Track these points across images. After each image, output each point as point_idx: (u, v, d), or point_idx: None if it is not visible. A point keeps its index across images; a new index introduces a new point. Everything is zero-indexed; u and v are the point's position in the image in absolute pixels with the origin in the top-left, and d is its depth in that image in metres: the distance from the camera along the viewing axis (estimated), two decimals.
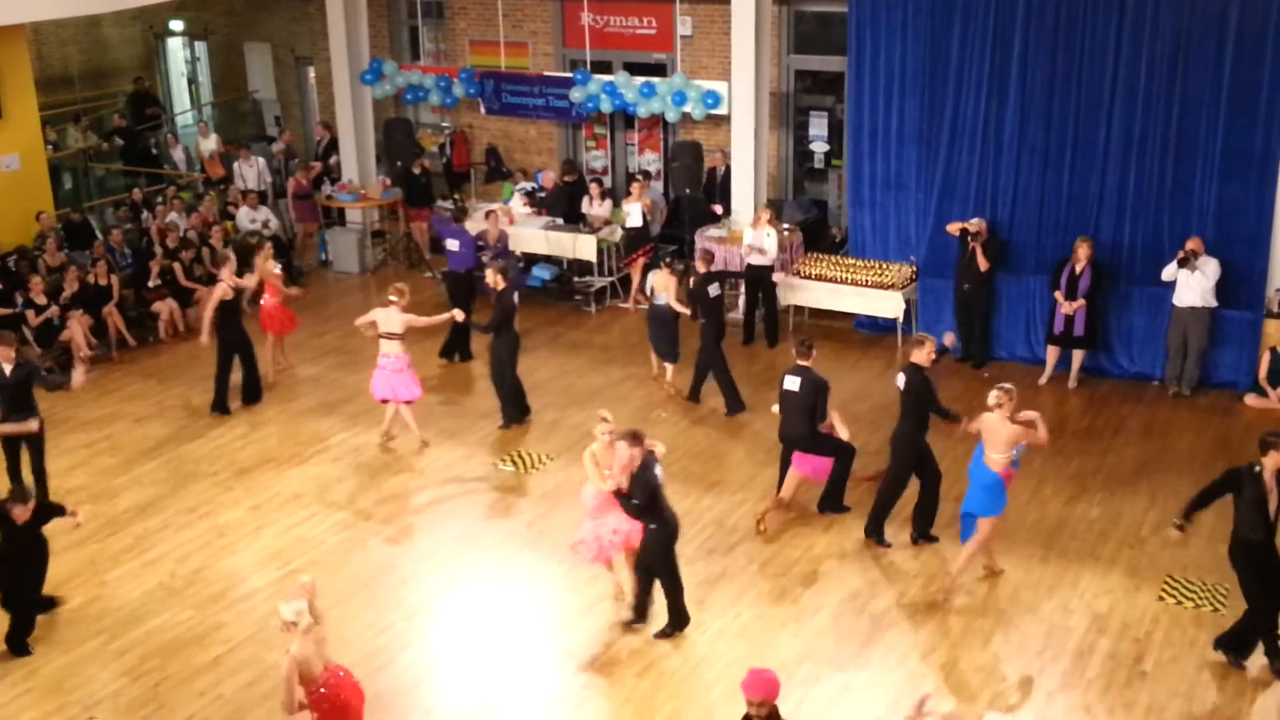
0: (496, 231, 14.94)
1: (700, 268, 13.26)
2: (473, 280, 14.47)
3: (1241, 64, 12.77)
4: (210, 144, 20.48)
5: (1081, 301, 13.24)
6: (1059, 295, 13.35)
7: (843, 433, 10.59)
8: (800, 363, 10.58)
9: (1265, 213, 12.99)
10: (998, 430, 9.41)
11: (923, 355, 10.08)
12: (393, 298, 12.15)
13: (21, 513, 8.92)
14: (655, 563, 9.12)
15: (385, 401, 12.31)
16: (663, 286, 13.32)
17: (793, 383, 10.50)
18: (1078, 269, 13.26)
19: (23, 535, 9.05)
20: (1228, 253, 12.96)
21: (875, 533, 10.51)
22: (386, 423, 12.43)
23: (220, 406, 13.21)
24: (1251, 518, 8.51)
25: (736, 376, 13.23)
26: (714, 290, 13.15)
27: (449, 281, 14.92)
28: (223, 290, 12.82)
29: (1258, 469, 8.49)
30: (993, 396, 9.47)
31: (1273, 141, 12.81)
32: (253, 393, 13.48)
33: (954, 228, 13.96)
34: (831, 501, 10.97)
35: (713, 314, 13.06)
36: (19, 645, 9.24)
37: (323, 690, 7.33)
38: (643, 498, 8.80)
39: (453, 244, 14.60)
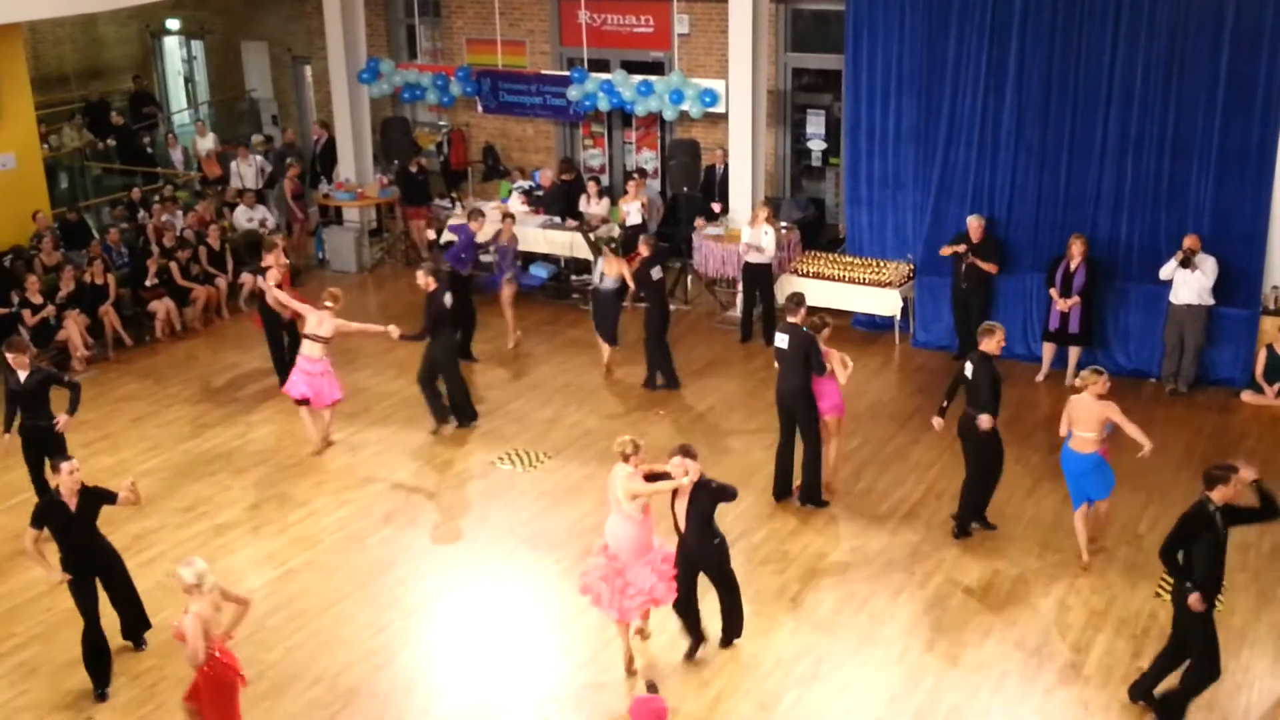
0: (509, 234, 14.85)
1: (643, 251, 13.49)
2: (470, 281, 14.44)
3: (1237, 63, 12.78)
4: (208, 143, 20.47)
5: (1076, 299, 13.26)
6: (1054, 292, 13.36)
7: (841, 376, 10.72)
8: (789, 319, 10.74)
9: (1261, 211, 13.01)
10: (1089, 409, 9.71)
11: (992, 344, 10.15)
12: (328, 303, 12.15)
13: (70, 475, 8.53)
14: (722, 576, 8.88)
15: (302, 402, 12.14)
16: (609, 270, 13.77)
17: (782, 340, 10.75)
18: (1072, 266, 13.27)
19: (79, 527, 8.66)
20: (1224, 251, 12.97)
21: (979, 520, 10.62)
22: (320, 427, 12.33)
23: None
24: (1214, 560, 7.78)
25: (735, 374, 13.24)
26: (656, 273, 13.45)
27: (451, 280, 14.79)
28: (275, 276, 13.12)
29: (1212, 507, 7.75)
30: (1080, 378, 9.87)
31: (1269, 140, 12.82)
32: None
33: (945, 251, 13.99)
34: (810, 493, 11.02)
35: (655, 296, 13.40)
36: (136, 638, 9.27)
37: (216, 654, 7.50)
38: (712, 507, 8.65)
39: (451, 236, 14.48)
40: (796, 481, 11.10)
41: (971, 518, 10.59)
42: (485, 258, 15.07)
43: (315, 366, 12.07)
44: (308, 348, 12.10)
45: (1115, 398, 13.09)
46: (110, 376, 14.39)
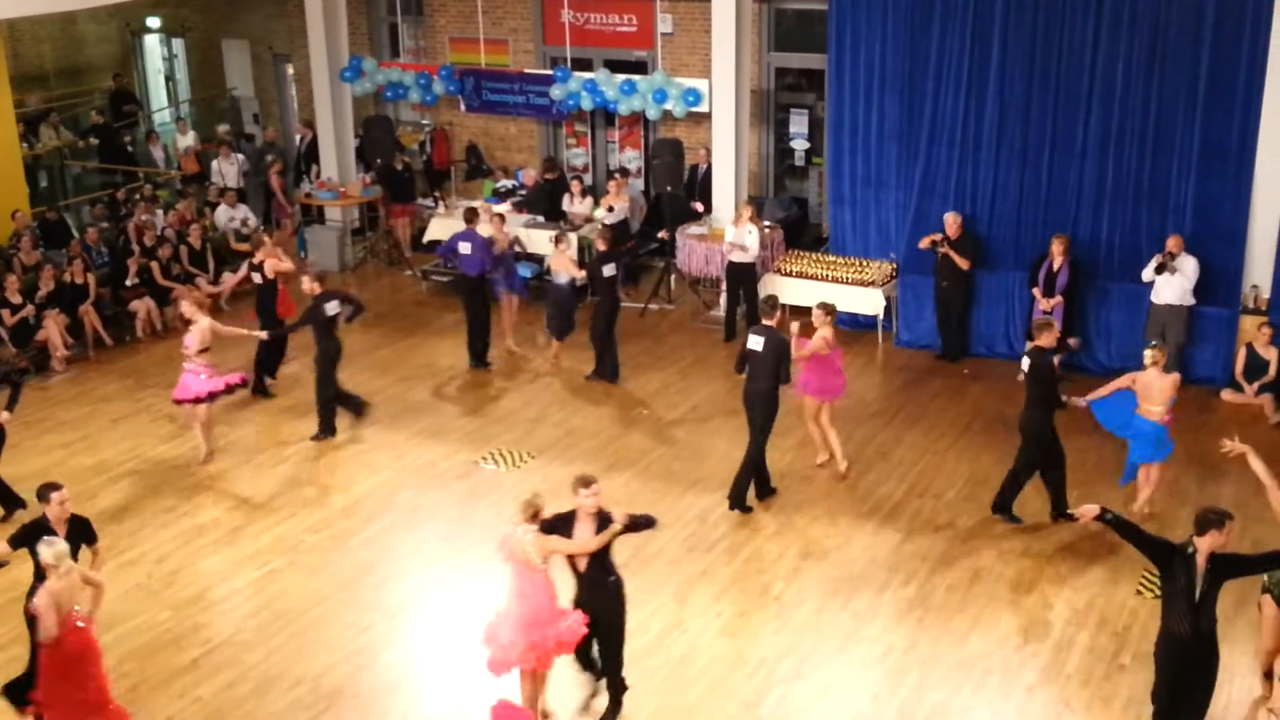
0: (505, 237, 14.72)
1: (599, 246, 13.60)
2: (485, 284, 14.28)
3: (1218, 61, 12.84)
4: (188, 140, 20.38)
5: (1059, 298, 13.30)
6: (1037, 292, 13.40)
7: (796, 351, 10.86)
8: (765, 322, 10.74)
9: (1241, 209, 13.07)
10: (1153, 384, 10.10)
11: (1048, 338, 10.28)
12: (200, 309, 12.13)
13: (60, 505, 8.43)
14: (620, 619, 8.13)
15: (197, 401, 11.98)
16: (560, 266, 13.97)
17: (756, 342, 10.65)
18: (1055, 266, 13.31)
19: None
20: (1205, 249, 13.02)
21: (1003, 510, 10.70)
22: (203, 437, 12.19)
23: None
24: (1183, 607, 7.19)
25: (718, 373, 13.23)
26: (609, 270, 13.55)
27: (461, 285, 14.61)
28: (274, 266, 13.38)
29: (1191, 550, 7.17)
30: (1149, 355, 10.17)
31: (1249, 138, 12.88)
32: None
33: (924, 243, 14.01)
34: (738, 498, 10.98)
35: (607, 292, 13.54)
36: None
37: (74, 626, 7.55)
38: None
39: (465, 247, 14.14)
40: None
41: (999, 505, 10.74)
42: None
43: (202, 373, 11.95)
44: (192, 362, 11.98)
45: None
46: (90, 376, 14.31)
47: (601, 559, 7.90)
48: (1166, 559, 7.28)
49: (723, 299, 15.34)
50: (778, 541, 10.53)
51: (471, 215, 14.55)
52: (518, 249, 15.68)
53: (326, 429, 12.56)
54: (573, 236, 14.63)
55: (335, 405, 12.58)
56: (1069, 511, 10.16)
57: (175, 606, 9.73)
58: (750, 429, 10.93)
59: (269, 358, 13.66)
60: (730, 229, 14.79)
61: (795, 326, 11.08)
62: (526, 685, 8.08)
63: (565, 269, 13.98)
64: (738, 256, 14.65)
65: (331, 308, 12.35)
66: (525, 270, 16.83)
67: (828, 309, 11.21)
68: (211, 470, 11.98)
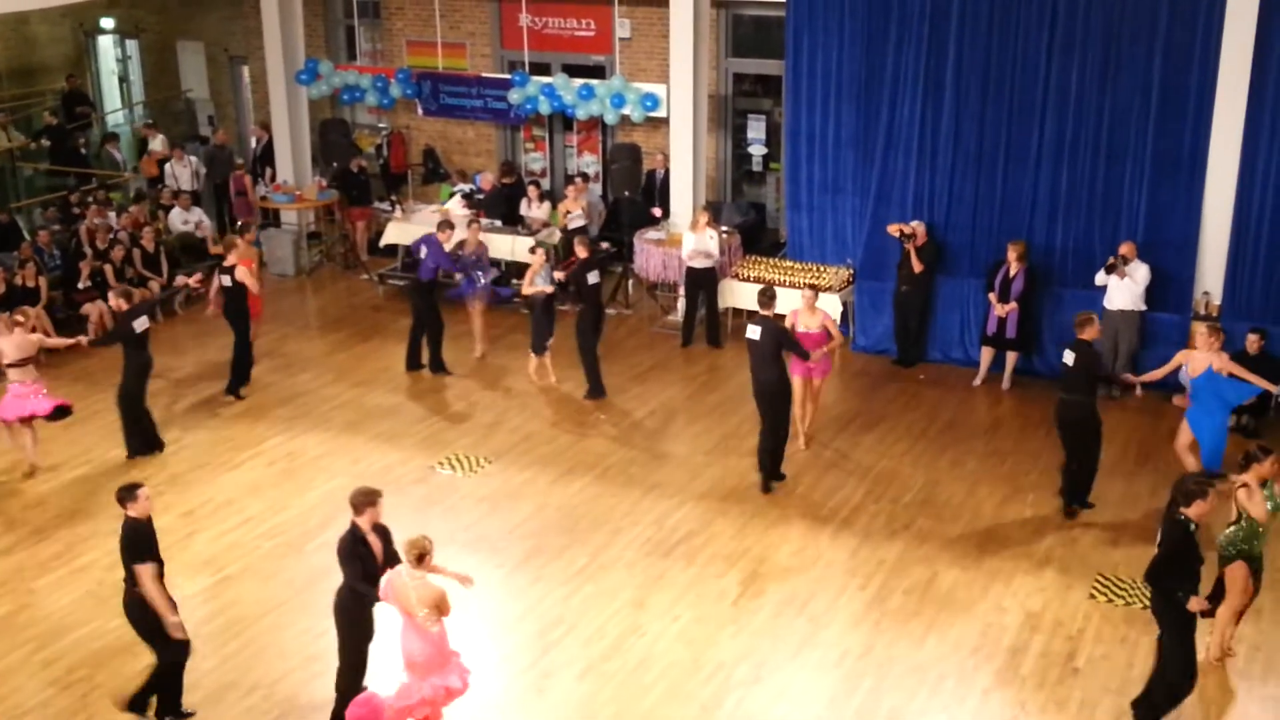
0: (475, 241, 14.58)
1: (581, 253, 13.39)
2: (434, 289, 14.19)
3: (1170, 71, 13.01)
4: (157, 144, 20.12)
5: (1014, 305, 13.43)
6: (993, 297, 13.52)
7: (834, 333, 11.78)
8: (763, 312, 11.22)
9: (1193, 217, 13.24)
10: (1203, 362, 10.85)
11: (1090, 332, 10.71)
12: (19, 318, 12.00)
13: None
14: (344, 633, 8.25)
15: (25, 421, 11.79)
16: (532, 280, 13.50)
17: (754, 332, 11.16)
18: (1011, 272, 13.43)
19: None
20: (1157, 256, 13.18)
21: (1079, 500, 11.06)
22: (28, 449, 11.99)
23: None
24: (1193, 578, 7.88)
25: (675, 379, 13.24)
26: (593, 278, 13.38)
27: (413, 290, 14.45)
28: (243, 273, 13.26)
29: (1194, 528, 7.83)
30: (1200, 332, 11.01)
31: (1200, 147, 13.05)
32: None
33: (893, 229, 14.09)
34: (772, 473, 11.52)
35: (591, 300, 13.32)
36: None
37: None
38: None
39: (422, 250, 14.07)
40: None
41: (1078, 499, 11.03)
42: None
43: (27, 389, 11.79)
44: (13, 372, 11.80)
45: (1047, 401, 13.36)
46: (41, 380, 14.06)
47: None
48: (1187, 542, 7.83)
49: (681, 304, 15.34)
50: (735, 546, 10.55)
51: (444, 226, 14.46)
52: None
53: (141, 447, 12.26)
54: (541, 252, 13.94)
55: (145, 422, 12.32)
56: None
57: None
58: (773, 416, 11.32)
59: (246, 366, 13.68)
60: (689, 235, 14.80)
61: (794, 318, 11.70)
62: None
63: (533, 287, 13.43)
64: (699, 262, 14.66)
65: (141, 324, 12.04)
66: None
67: (817, 289, 12.09)
68: (167, 474, 11.85)
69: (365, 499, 8.02)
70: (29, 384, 11.80)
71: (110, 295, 12.31)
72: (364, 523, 8.01)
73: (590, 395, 13.44)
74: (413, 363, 14.29)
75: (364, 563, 7.97)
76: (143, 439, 12.28)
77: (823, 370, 12.15)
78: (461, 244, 14.36)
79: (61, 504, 11.35)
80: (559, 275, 13.70)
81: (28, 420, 11.82)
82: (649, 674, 8.88)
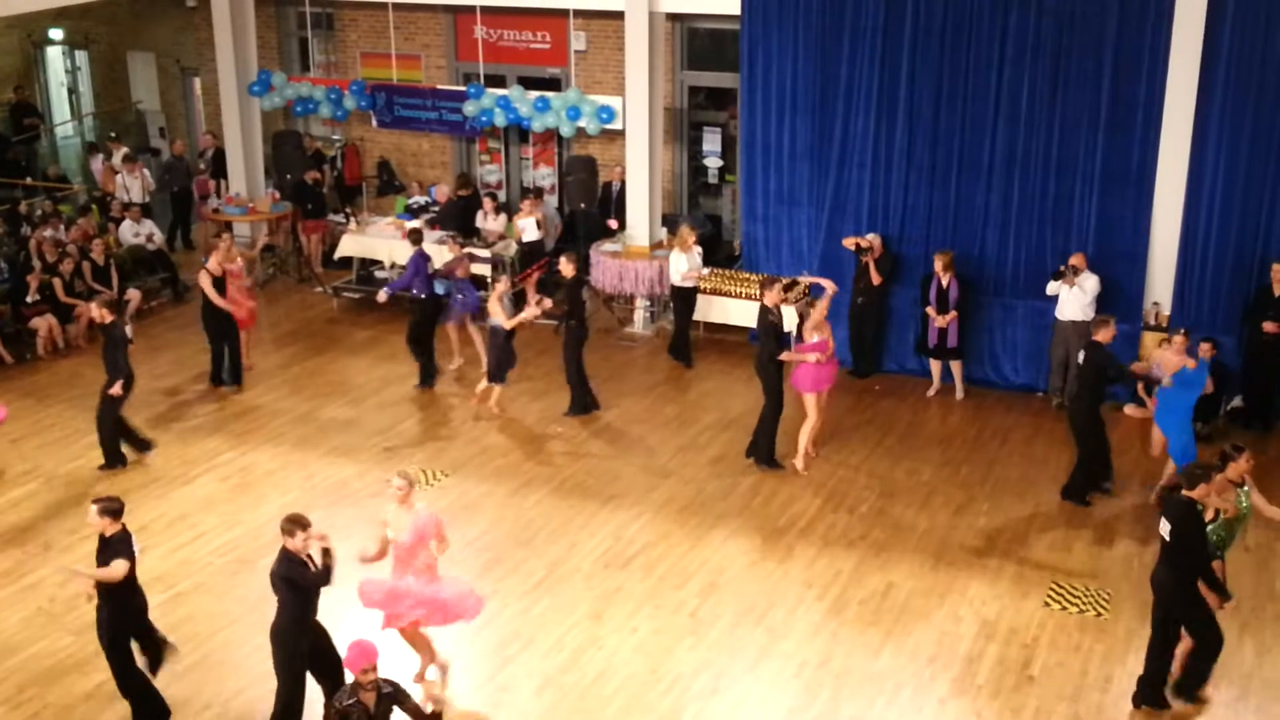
0: (464, 267, 14.40)
1: (568, 272, 13.20)
2: (414, 303, 14.21)
3: (1119, 84, 13.18)
4: (117, 159, 19.86)
5: (953, 314, 13.55)
6: (931, 310, 13.64)
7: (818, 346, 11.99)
8: (763, 301, 11.86)
9: (1142, 228, 13.41)
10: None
11: (1105, 334, 11.09)
12: None
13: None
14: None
15: None
16: (495, 310, 12.96)
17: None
18: (944, 283, 13.56)
19: None
20: (1107, 267, 13.34)
21: (1098, 488, 11.55)
22: None
23: (218, 379, 14.00)
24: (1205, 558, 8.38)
25: (634, 390, 13.21)
26: (586, 294, 13.44)
27: (427, 303, 14.28)
28: (207, 278, 13.44)
29: (1200, 507, 8.33)
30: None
31: (1149, 160, 13.23)
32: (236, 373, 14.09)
33: (849, 242, 14.18)
34: (761, 451, 12.10)
35: (579, 316, 13.23)
36: None
37: None
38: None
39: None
40: (806, 447, 12.14)
41: (1091, 489, 11.47)
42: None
43: None
44: None
45: (1001, 411, 13.49)
46: None
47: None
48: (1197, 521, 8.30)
49: (637, 317, 15.32)
50: (693, 557, 10.56)
51: (417, 237, 14.49)
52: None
53: (119, 458, 12.19)
54: (505, 279, 13.55)
55: (122, 431, 12.22)
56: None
57: (78, 631, 9.45)
58: (764, 387, 12.02)
59: (230, 362, 13.89)
60: (678, 256, 14.70)
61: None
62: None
63: (498, 314, 12.93)
64: (689, 281, 14.73)
65: (128, 330, 12.10)
66: (438, 287, 16.71)
67: (786, 284, 12.73)
68: (119, 489, 11.67)
69: (294, 524, 8.15)
70: None
71: (94, 305, 12.05)
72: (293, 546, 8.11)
73: (572, 411, 13.30)
74: (427, 379, 14.21)
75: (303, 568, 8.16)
76: (118, 448, 12.17)
77: (826, 378, 12.16)
78: (452, 269, 14.27)
79: (9, 520, 11.16)
80: (539, 299, 13.27)
81: None
82: (607, 686, 8.86)
